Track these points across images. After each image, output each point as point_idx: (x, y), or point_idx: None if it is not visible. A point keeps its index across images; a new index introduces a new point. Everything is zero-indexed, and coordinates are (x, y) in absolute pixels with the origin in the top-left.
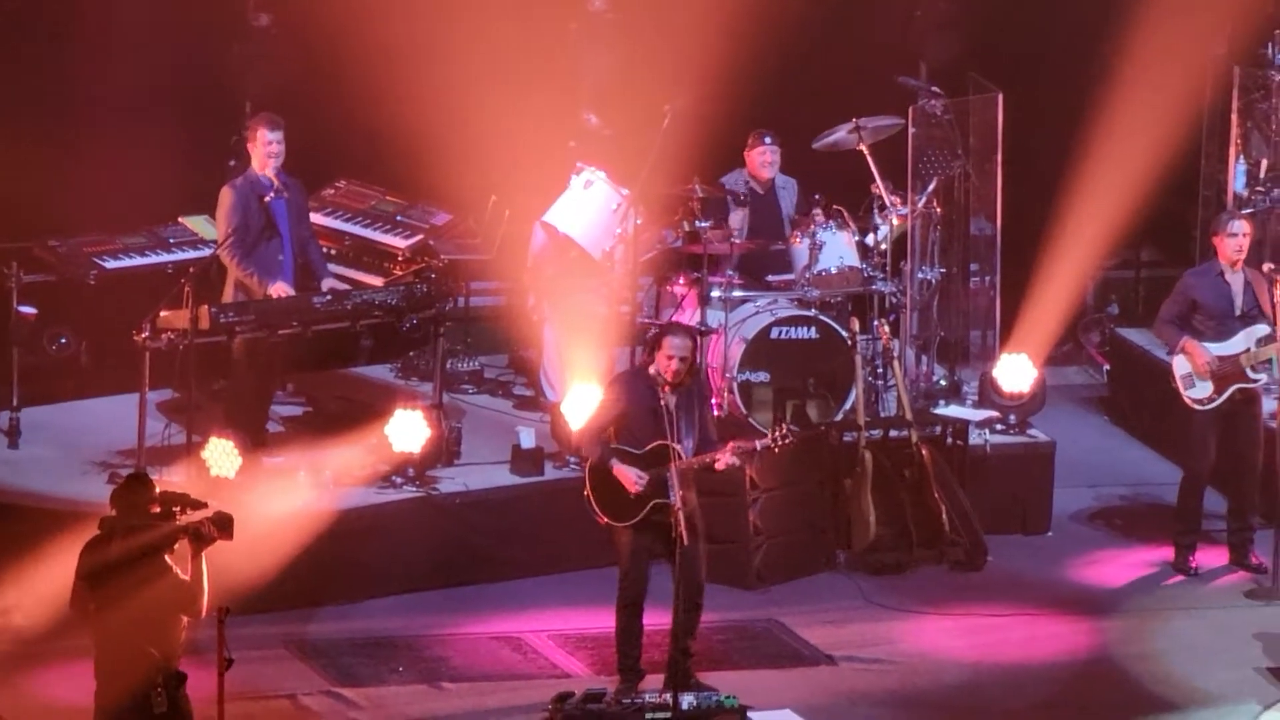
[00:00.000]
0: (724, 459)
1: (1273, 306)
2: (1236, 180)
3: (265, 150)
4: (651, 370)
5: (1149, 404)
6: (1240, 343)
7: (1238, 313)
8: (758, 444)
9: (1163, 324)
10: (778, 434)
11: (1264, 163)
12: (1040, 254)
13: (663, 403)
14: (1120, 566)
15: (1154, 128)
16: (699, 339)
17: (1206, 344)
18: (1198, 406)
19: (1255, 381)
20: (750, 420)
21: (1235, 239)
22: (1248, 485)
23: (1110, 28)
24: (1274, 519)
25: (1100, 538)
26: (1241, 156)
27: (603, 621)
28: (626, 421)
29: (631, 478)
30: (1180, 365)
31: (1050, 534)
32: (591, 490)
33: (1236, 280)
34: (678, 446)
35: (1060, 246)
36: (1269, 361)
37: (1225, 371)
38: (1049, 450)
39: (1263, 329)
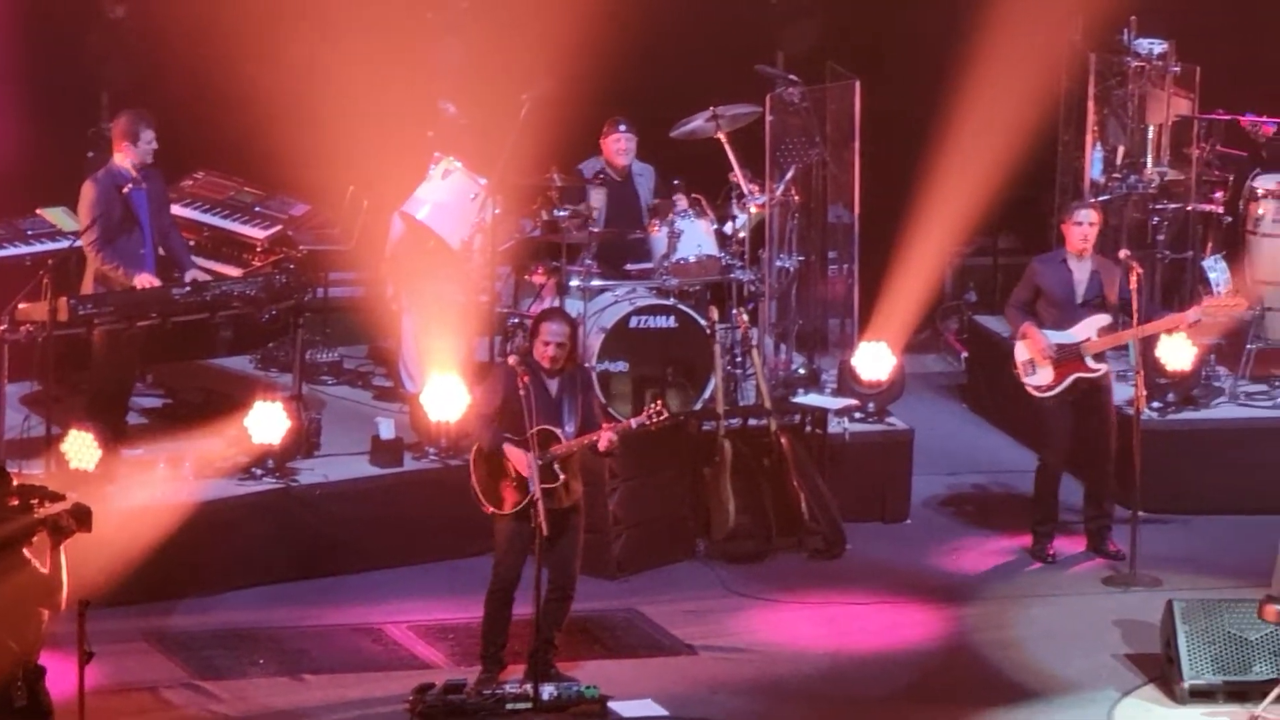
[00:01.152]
0: (604, 439)
1: (1132, 293)
2: (1093, 167)
3: (147, 149)
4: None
5: (1007, 391)
6: (1081, 332)
7: (1079, 301)
8: (633, 423)
9: (1010, 309)
10: (653, 410)
11: (1121, 149)
12: (898, 241)
13: (549, 390)
14: (979, 554)
15: (1011, 115)
16: (575, 325)
17: (1047, 331)
18: (1037, 393)
19: (1096, 371)
20: (609, 410)
21: (1081, 228)
22: (1103, 472)
23: (967, 15)
24: (1131, 506)
25: (959, 525)
26: (1098, 143)
27: (463, 612)
28: (509, 408)
29: (524, 460)
30: (1021, 351)
31: (909, 521)
32: (476, 480)
33: (1082, 269)
34: (558, 431)
35: (918, 234)
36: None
37: (1064, 359)
38: (907, 438)
39: (1104, 319)
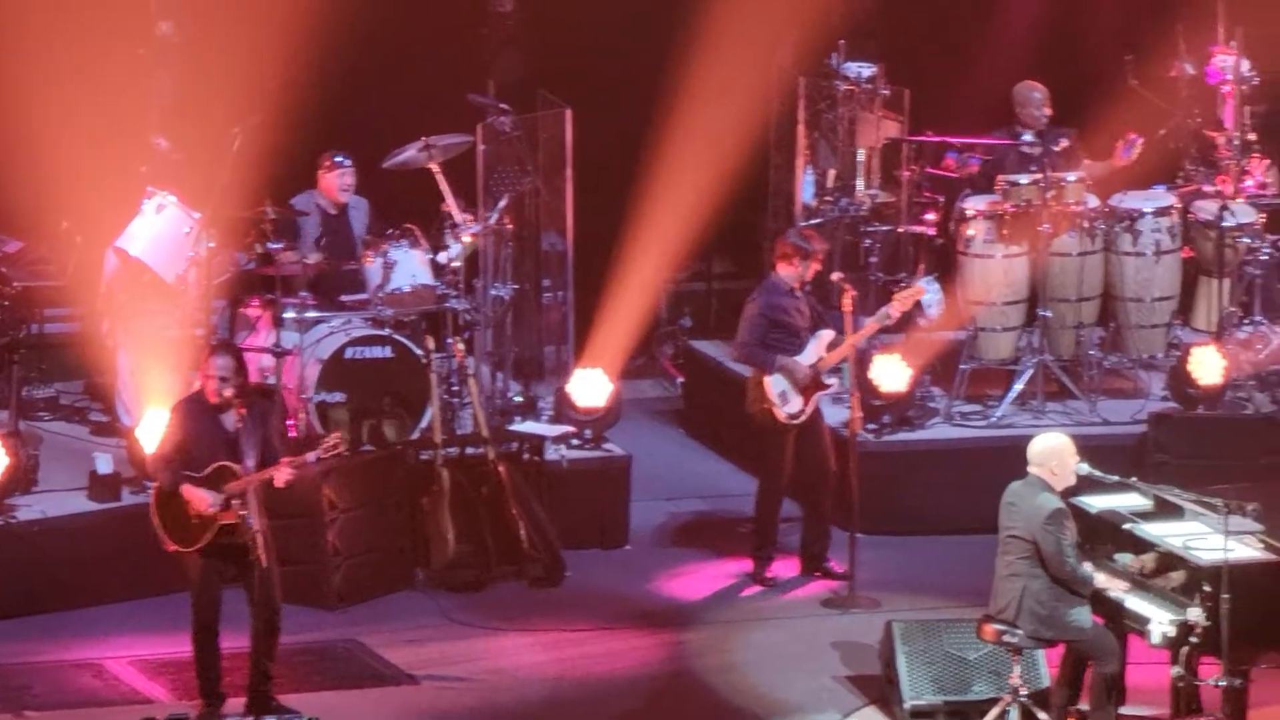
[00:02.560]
0: (281, 475)
1: (845, 315)
2: (805, 190)
3: None
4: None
5: (723, 416)
6: (814, 353)
7: (807, 324)
8: (310, 457)
9: (749, 348)
10: (329, 444)
11: (831, 173)
12: (612, 268)
13: (226, 424)
14: (699, 578)
15: (722, 140)
16: (243, 358)
17: (796, 358)
18: (791, 422)
19: (831, 388)
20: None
21: (818, 265)
22: (823, 494)
23: (677, 42)
24: (849, 527)
25: (678, 550)
26: (809, 167)
27: (183, 646)
28: (189, 445)
29: (205, 499)
30: (776, 383)
31: (629, 548)
32: (158, 517)
33: (802, 295)
34: (236, 467)
35: (632, 260)
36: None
37: (810, 384)
38: (625, 464)
39: (829, 334)
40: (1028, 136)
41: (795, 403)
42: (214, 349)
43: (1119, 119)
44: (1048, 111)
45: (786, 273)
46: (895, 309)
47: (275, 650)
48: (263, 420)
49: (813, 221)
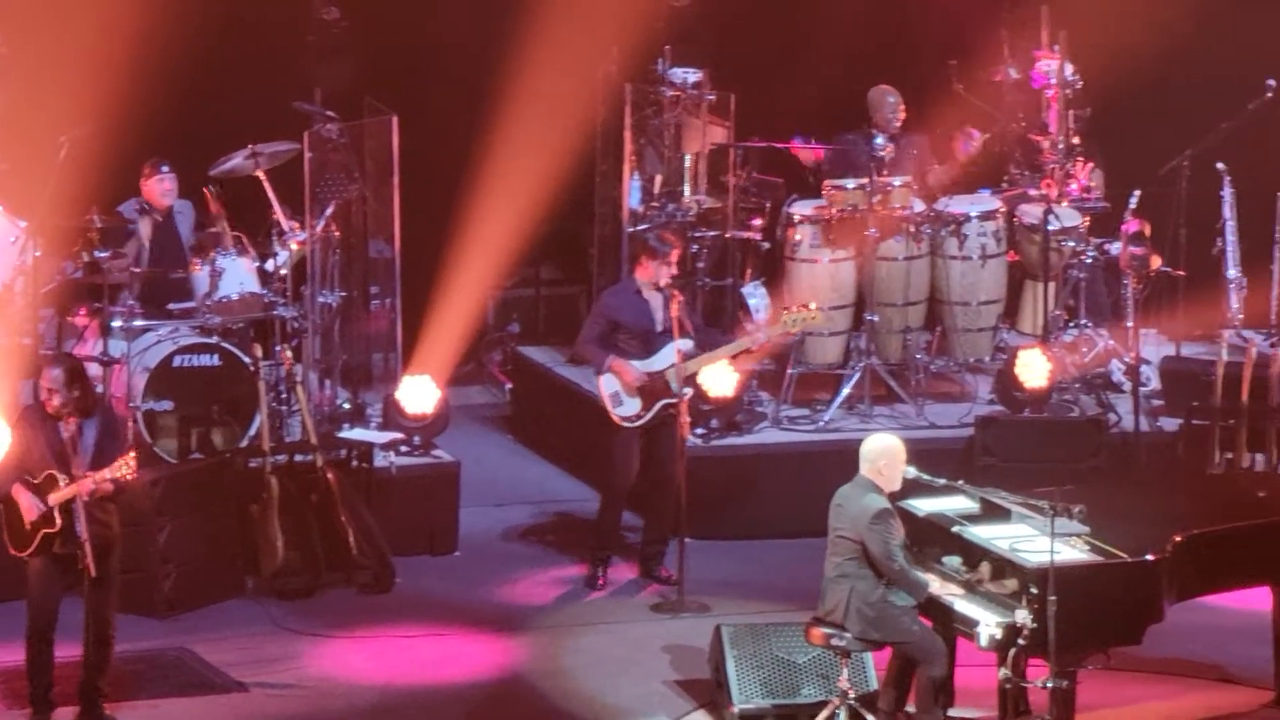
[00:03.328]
0: (82, 488)
1: (674, 320)
2: (632, 197)
3: None
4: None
5: (552, 421)
6: (665, 358)
7: (659, 329)
8: (106, 473)
9: (586, 345)
10: (124, 461)
11: (658, 178)
12: (440, 275)
13: (62, 434)
14: (529, 584)
15: (549, 146)
16: (77, 368)
17: (633, 362)
18: (627, 424)
19: (681, 396)
20: (155, 449)
21: (671, 268)
22: (666, 500)
23: (504, 47)
24: (678, 532)
25: (508, 556)
26: (636, 173)
27: (11, 654)
28: (27, 453)
29: (31, 507)
30: (608, 384)
31: (458, 554)
32: (3, 522)
33: (656, 297)
34: (62, 477)
35: (460, 267)
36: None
37: (653, 387)
38: (454, 470)
39: (686, 343)
40: (879, 140)
41: (631, 405)
42: (46, 360)
43: (944, 124)
44: (901, 115)
45: (639, 273)
46: (765, 334)
47: (106, 662)
48: (103, 430)
49: (639, 227)
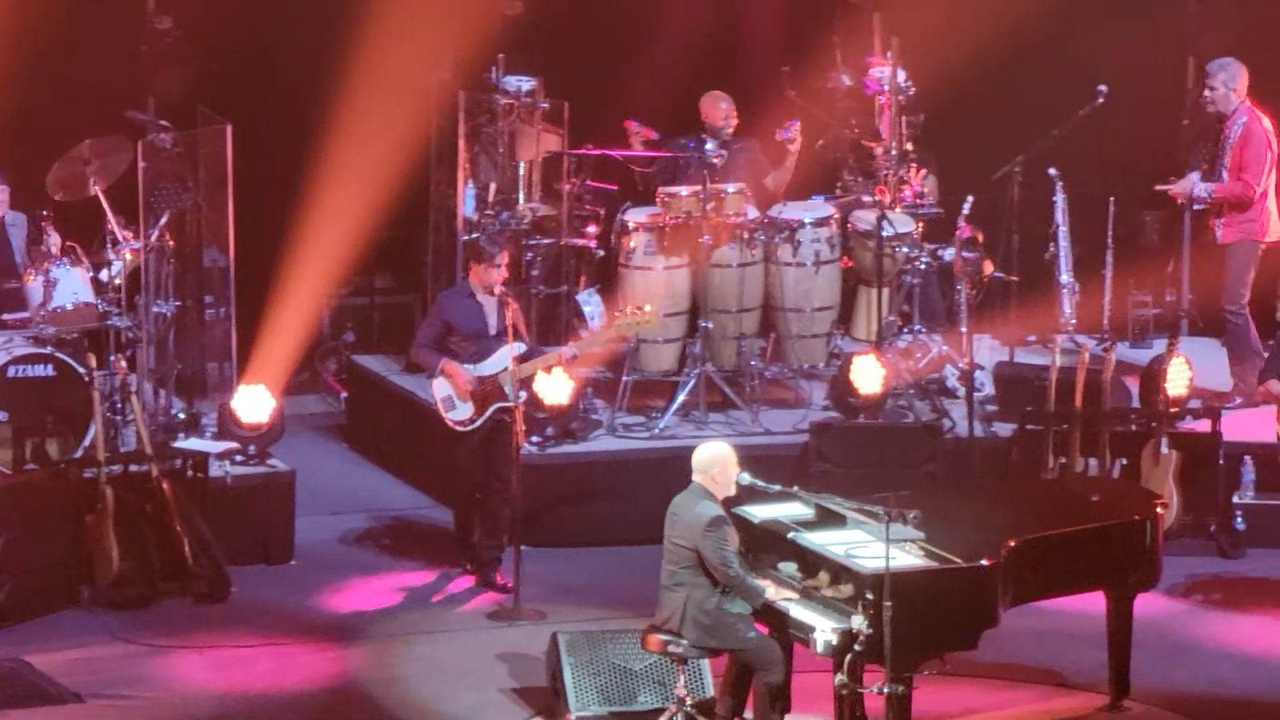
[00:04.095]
0: None
1: (508, 328)
2: (466, 205)
3: None
4: None
5: (387, 429)
6: (498, 362)
7: (493, 332)
8: None
9: (419, 348)
10: None
11: (493, 186)
12: (275, 284)
13: None
14: (365, 592)
15: (384, 155)
16: None
17: (466, 365)
18: (459, 428)
19: (516, 401)
20: None
21: (500, 270)
22: (502, 507)
23: (338, 56)
24: (513, 539)
25: (344, 564)
26: (470, 181)
27: None
28: None
29: None
30: (440, 388)
31: (294, 563)
32: None
33: (490, 301)
34: None
35: (295, 275)
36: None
37: (486, 391)
38: (289, 479)
39: (519, 347)
40: (711, 145)
41: (463, 410)
42: None
43: (777, 131)
44: (733, 121)
45: (472, 277)
46: (572, 350)
47: None
48: None
49: (474, 235)
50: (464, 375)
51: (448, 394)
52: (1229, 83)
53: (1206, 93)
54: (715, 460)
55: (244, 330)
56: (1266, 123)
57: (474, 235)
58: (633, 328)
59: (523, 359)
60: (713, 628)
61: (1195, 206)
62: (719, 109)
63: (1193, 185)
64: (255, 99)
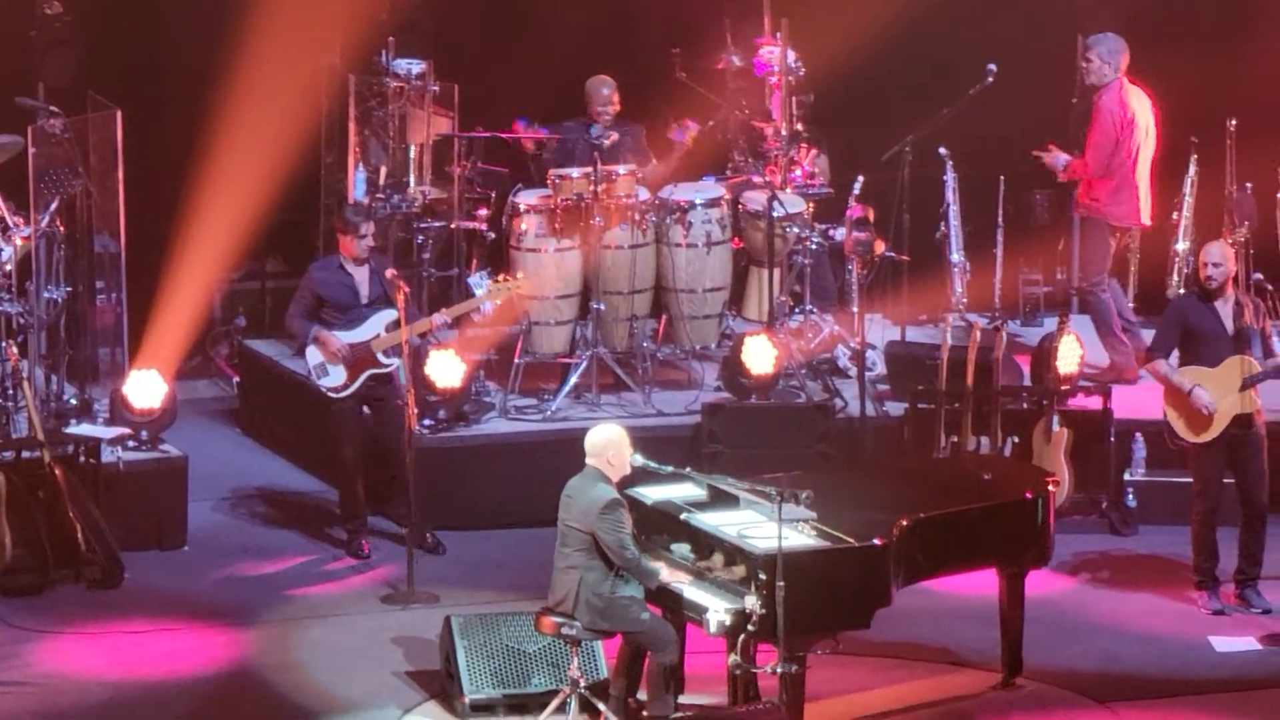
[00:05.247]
0: None
1: (400, 311)
2: (357, 188)
3: None
4: None
5: (279, 414)
6: (370, 329)
7: (365, 301)
8: None
9: (293, 319)
10: None
11: (384, 170)
12: (166, 269)
13: None
14: (258, 577)
15: (275, 139)
16: None
17: (336, 333)
18: (333, 394)
19: (387, 366)
20: None
21: (365, 240)
22: (392, 469)
23: (227, 41)
24: (405, 523)
25: (238, 549)
26: (361, 164)
27: None
28: None
29: None
30: (313, 356)
31: (187, 548)
32: None
33: (360, 271)
34: None
35: (186, 261)
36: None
37: (358, 357)
38: (182, 464)
39: (391, 314)
40: (596, 129)
41: (335, 375)
42: None
43: (668, 113)
44: (615, 105)
45: (341, 249)
46: (441, 318)
47: None
48: None
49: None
50: (335, 342)
51: (319, 361)
52: (1105, 56)
53: (1083, 64)
54: (610, 442)
55: (135, 315)
56: (1136, 103)
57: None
58: (501, 293)
59: (394, 326)
60: (606, 610)
61: (1059, 179)
62: (599, 94)
63: (1056, 157)
64: (145, 84)
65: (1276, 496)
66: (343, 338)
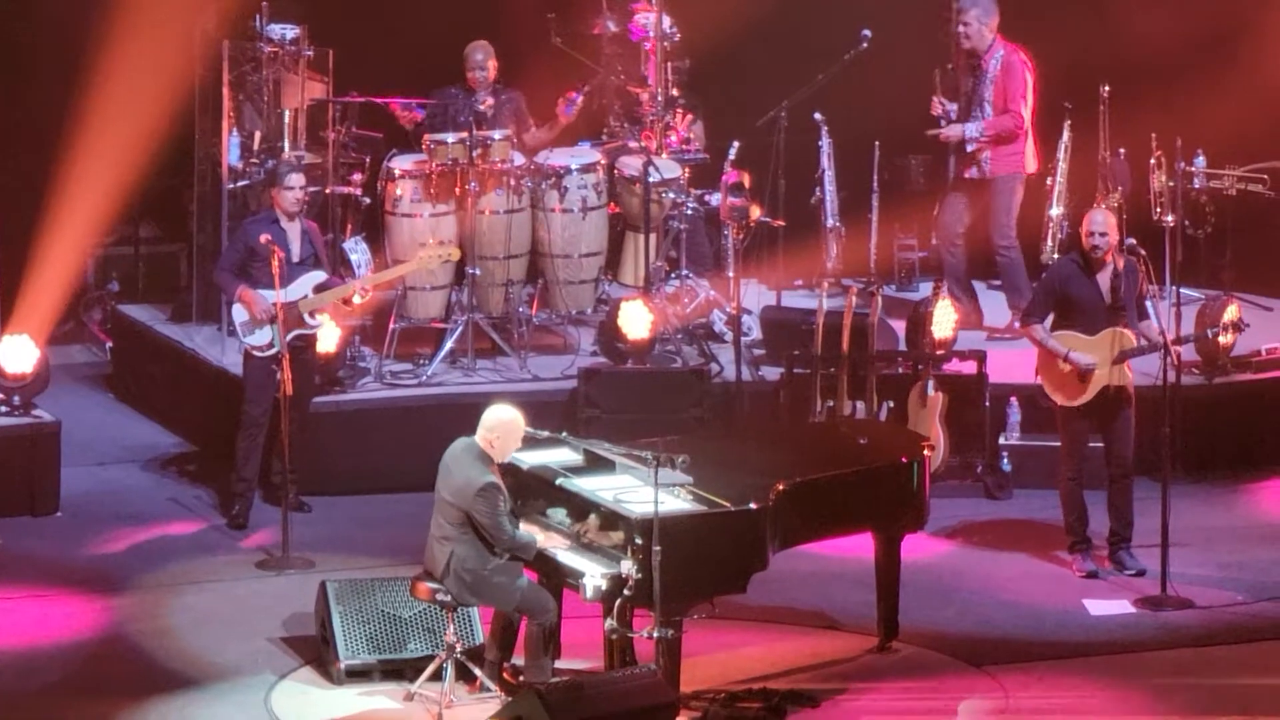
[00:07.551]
0: None
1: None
2: (231, 153)
3: None
4: None
5: (154, 379)
6: (300, 289)
7: (296, 259)
8: None
9: (220, 273)
10: None
11: (258, 135)
12: (39, 234)
13: None
14: (132, 543)
15: (147, 104)
16: None
17: (263, 292)
18: (257, 353)
19: (313, 328)
20: None
21: (294, 192)
22: (273, 441)
23: (99, 6)
24: (282, 489)
25: (111, 515)
26: (235, 129)
27: None
28: None
29: None
30: (238, 313)
31: (60, 514)
32: None
33: (293, 228)
34: None
35: (58, 225)
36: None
37: (285, 318)
38: (54, 430)
39: (320, 276)
40: (476, 95)
41: (260, 335)
42: None
43: (544, 78)
44: (491, 70)
45: (274, 204)
46: (359, 285)
47: None
48: None
49: (240, 184)
50: (260, 302)
51: (245, 319)
52: (982, 18)
53: (960, 28)
54: (501, 425)
55: (7, 280)
56: (1023, 55)
57: (242, 185)
58: (435, 260)
59: (321, 288)
60: (475, 586)
61: (969, 148)
62: (475, 59)
63: (961, 128)
64: (15, 47)
65: (1143, 459)
66: (269, 296)
